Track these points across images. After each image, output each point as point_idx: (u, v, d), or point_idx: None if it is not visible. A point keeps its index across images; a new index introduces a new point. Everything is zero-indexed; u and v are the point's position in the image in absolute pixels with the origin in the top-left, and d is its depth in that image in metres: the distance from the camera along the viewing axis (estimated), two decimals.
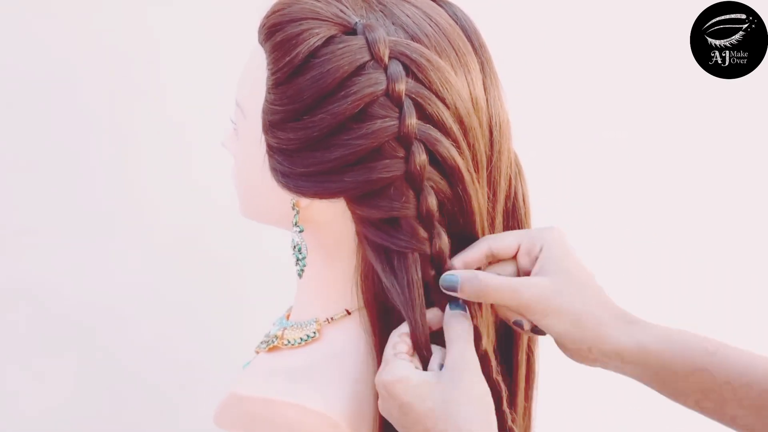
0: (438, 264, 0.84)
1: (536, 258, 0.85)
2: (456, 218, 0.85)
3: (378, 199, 0.84)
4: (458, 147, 0.84)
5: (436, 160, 0.84)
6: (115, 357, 1.41)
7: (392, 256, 0.84)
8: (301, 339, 0.92)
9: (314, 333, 0.92)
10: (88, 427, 1.41)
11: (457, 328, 0.83)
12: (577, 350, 0.83)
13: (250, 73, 0.90)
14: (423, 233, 0.84)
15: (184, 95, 1.39)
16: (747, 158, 1.62)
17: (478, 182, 0.86)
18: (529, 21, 1.53)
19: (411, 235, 0.83)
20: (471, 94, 0.86)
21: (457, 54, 0.87)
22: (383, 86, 0.82)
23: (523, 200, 0.93)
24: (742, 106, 1.59)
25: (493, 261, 0.87)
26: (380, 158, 0.83)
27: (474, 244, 0.86)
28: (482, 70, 0.89)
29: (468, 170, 0.85)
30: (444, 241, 0.84)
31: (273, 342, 0.94)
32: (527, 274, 0.85)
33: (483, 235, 0.87)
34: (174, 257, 1.42)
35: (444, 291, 0.84)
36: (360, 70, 0.83)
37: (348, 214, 0.88)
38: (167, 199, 1.41)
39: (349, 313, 0.92)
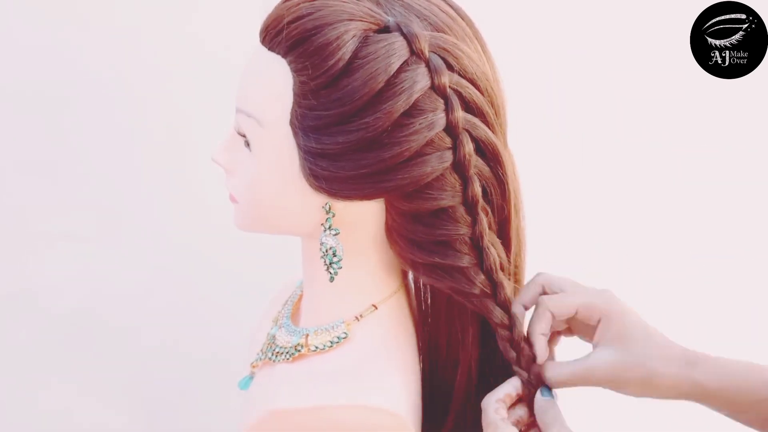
0: (478, 246, 0.87)
1: (595, 327, 0.89)
2: (496, 199, 0.88)
3: (427, 191, 0.85)
4: (494, 130, 0.87)
5: (478, 146, 0.86)
6: (114, 358, 1.41)
7: (437, 247, 0.86)
8: (331, 342, 0.91)
9: (344, 334, 0.91)
10: (89, 428, 1.41)
11: (552, 412, 0.86)
12: (645, 398, 0.88)
13: (266, 83, 0.87)
14: (467, 219, 0.86)
15: (185, 101, 1.39)
16: (747, 158, 1.62)
17: (508, 160, 0.89)
18: (528, 20, 1.53)
19: (456, 222, 0.85)
20: (491, 76, 0.89)
21: (469, 40, 0.88)
22: (428, 80, 0.83)
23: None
24: (742, 106, 1.59)
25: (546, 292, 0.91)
26: (432, 151, 0.84)
27: (527, 284, 0.91)
28: (484, 52, 0.90)
29: (503, 151, 0.88)
30: (484, 225, 0.86)
31: (298, 351, 0.92)
32: (586, 334, 0.92)
33: (514, 212, 0.90)
34: (173, 261, 1.42)
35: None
36: (405, 66, 0.83)
37: (376, 210, 0.88)
38: (171, 202, 1.41)
39: (375, 308, 0.92)
